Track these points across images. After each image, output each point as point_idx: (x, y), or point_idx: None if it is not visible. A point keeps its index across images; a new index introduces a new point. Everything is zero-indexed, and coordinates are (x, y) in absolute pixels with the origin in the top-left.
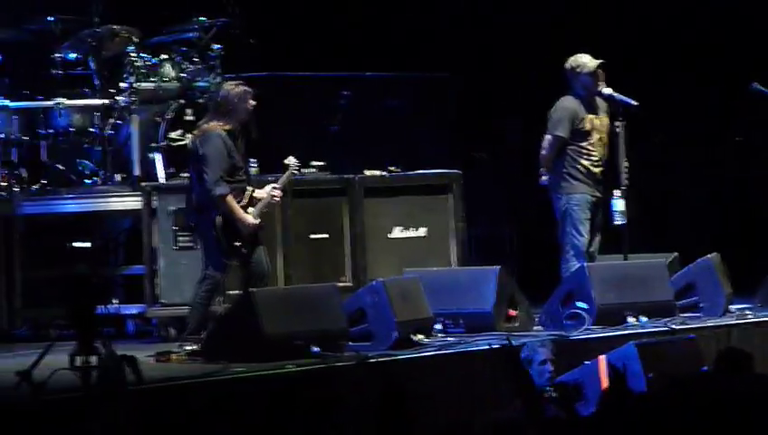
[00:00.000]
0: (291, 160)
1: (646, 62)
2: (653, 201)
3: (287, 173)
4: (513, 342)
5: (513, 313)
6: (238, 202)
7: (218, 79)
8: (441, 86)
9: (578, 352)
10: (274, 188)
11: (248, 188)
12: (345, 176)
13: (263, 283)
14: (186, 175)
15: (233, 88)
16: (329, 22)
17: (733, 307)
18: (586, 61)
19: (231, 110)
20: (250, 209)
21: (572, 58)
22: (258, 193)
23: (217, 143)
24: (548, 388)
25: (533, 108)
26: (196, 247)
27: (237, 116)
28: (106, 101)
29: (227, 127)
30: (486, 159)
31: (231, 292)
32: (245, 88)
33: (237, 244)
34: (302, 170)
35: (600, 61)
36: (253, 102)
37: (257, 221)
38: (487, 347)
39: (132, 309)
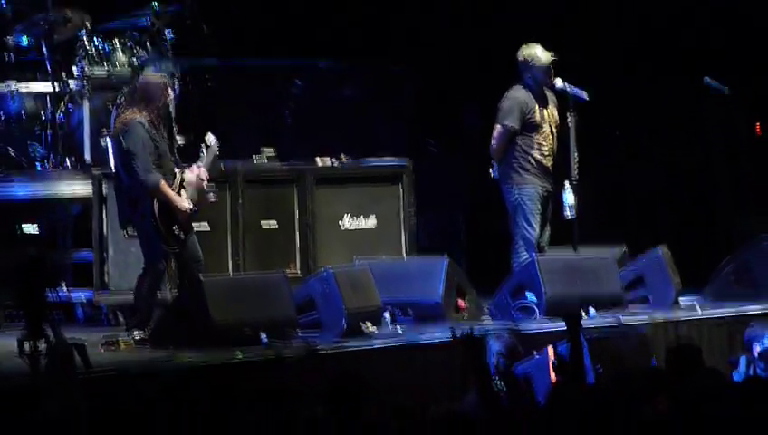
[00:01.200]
0: (211, 140)
1: (607, 55)
2: (603, 194)
3: (209, 152)
4: (457, 332)
5: (462, 304)
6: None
7: (170, 65)
8: (396, 76)
9: (527, 344)
10: (199, 167)
11: (177, 172)
12: (296, 164)
13: (198, 266)
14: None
15: (151, 77)
16: (283, 9)
17: (682, 300)
18: (539, 54)
19: (149, 98)
20: (183, 194)
21: (525, 49)
22: (186, 175)
23: (140, 132)
24: (496, 380)
25: (488, 97)
26: None
27: (155, 104)
28: (58, 87)
29: (146, 115)
30: (436, 149)
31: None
32: (164, 78)
33: (175, 229)
34: (254, 158)
35: (553, 57)
36: (171, 92)
37: (191, 205)
38: (450, 337)
39: (81, 295)
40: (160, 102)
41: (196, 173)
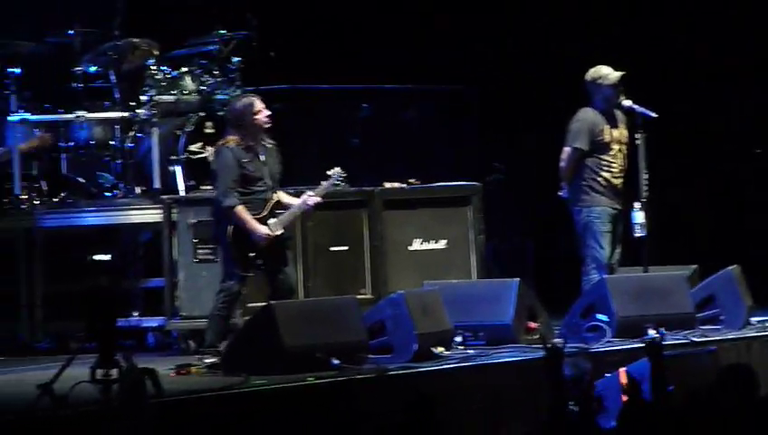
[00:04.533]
0: (334, 171)
1: (667, 74)
2: (674, 213)
3: (328, 182)
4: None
5: (533, 325)
6: (257, 213)
7: (238, 92)
8: (460, 98)
9: (598, 364)
10: (310, 196)
11: (273, 197)
12: (365, 188)
13: (289, 299)
14: (206, 187)
15: (238, 101)
16: (347, 35)
17: (753, 319)
18: (607, 72)
19: (241, 122)
20: (271, 220)
21: (593, 70)
22: (285, 201)
23: (226, 156)
24: (569, 402)
25: (553, 119)
26: (215, 260)
27: (248, 127)
28: (126, 114)
29: (240, 140)
30: (503, 171)
31: (252, 304)
32: (251, 99)
33: (251, 255)
34: (322, 183)
35: (622, 73)
36: (264, 112)
37: (275, 231)
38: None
39: (152, 322)
40: (251, 123)
41: (303, 201)
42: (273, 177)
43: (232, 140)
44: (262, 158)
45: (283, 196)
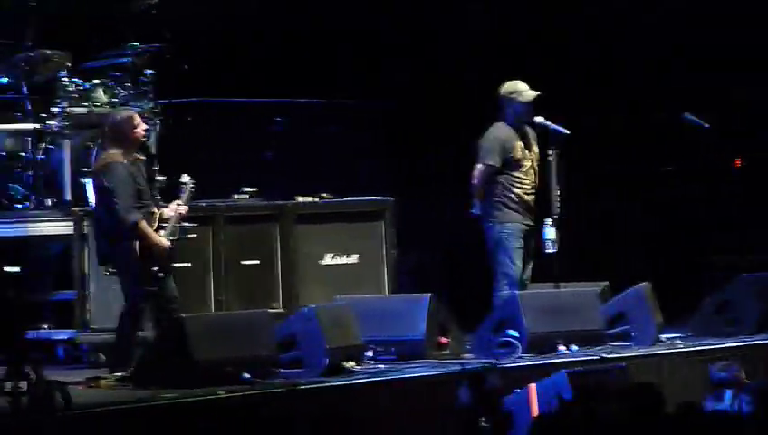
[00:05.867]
0: (185, 178)
1: (580, 91)
2: (585, 230)
3: (187, 191)
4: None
5: (444, 340)
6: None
7: (150, 104)
8: (373, 113)
9: (509, 380)
10: (179, 205)
11: (155, 210)
12: (277, 202)
13: (174, 307)
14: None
15: (117, 114)
16: (261, 48)
17: (663, 336)
18: (523, 89)
19: (121, 136)
20: (160, 232)
21: (509, 84)
22: (166, 213)
23: (121, 171)
24: (480, 418)
25: (466, 135)
26: None
27: (128, 141)
28: (38, 126)
29: (125, 154)
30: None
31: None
32: (130, 112)
33: (155, 269)
34: (235, 196)
35: (538, 93)
36: (142, 125)
37: (170, 243)
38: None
39: (62, 335)
40: (130, 137)
41: (175, 211)
42: (152, 190)
43: (118, 154)
44: (141, 170)
45: (161, 209)
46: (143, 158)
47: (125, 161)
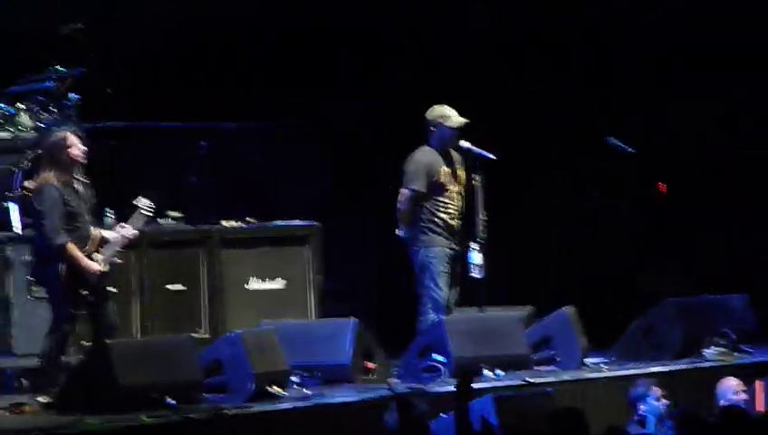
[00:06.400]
0: (141, 201)
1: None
2: (510, 254)
3: (137, 212)
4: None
5: (370, 365)
6: (83, 249)
7: (74, 128)
8: (300, 136)
9: (434, 404)
10: (123, 227)
11: (94, 232)
12: (202, 226)
13: (112, 334)
14: None
15: (50, 136)
16: (186, 72)
17: (588, 360)
18: (451, 114)
19: (55, 158)
20: (96, 256)
21: (437, 108)
22: (108, 235)
23: (52, 193)
24: None
25: (395, 157)
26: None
27: (62, 163)
28: None
29: (58, 176)
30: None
31: (83, 342)
32: (64, 133)
33: (84, 292)
34: (159, 220)
35: (466, 121)
36: (78, 146)
37: (103, 267)
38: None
39: None
40: (64, 158)
41: (120, 233)
42: (91, 212)
43: (51, 177)
44: (79, 193)
45: (102, 231)
46: (84, 180)
47: (57, 183)
